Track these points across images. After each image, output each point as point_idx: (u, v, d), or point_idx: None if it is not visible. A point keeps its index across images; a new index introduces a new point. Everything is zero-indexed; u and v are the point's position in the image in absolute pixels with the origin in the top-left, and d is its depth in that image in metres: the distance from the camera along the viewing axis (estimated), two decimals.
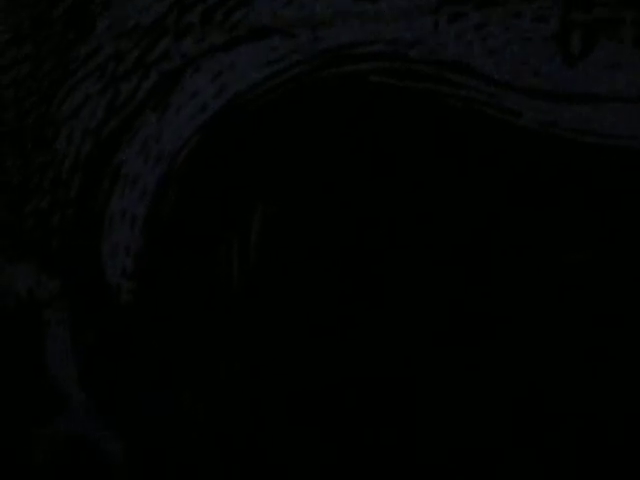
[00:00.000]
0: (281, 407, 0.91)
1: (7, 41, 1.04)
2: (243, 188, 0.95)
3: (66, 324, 1.01)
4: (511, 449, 0.87)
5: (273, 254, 0.94)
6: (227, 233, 0.96)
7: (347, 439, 0.90)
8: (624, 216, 0.86)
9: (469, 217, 0.90)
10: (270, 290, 0.94)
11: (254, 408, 0.92)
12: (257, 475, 0.93)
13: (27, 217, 1.04)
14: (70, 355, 1.01)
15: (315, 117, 0.93)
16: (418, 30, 0.90)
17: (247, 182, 0.96)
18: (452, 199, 0.90)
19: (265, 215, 0.94)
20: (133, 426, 0.97)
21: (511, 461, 0.86)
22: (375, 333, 0.91)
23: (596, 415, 0.85)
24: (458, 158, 0.90)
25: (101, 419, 0.98)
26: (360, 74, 0.92)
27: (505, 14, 0.86)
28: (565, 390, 0.87)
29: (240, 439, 0.92)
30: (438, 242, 0.90)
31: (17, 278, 1.02)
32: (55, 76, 1.03)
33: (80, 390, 1.00)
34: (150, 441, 0.96)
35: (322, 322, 0.92)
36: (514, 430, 0.87)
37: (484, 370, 0.88)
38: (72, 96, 1.02)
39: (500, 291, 0.89)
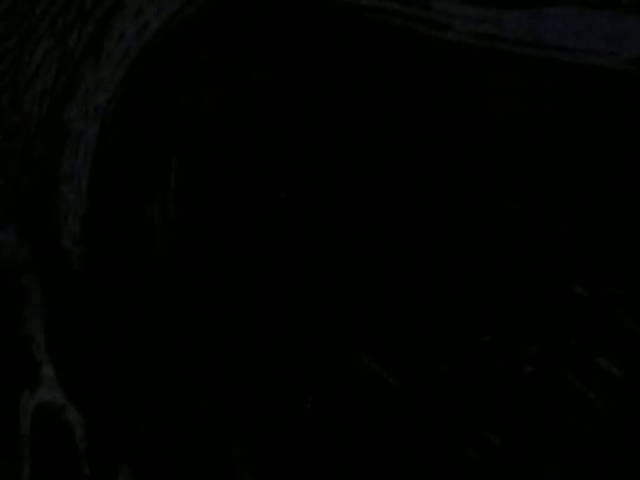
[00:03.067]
0: (208, 366, 0.86)
1: None
2: (162, 139, 0.89)
3: (38, 291, 0.98)
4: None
5: (190, 208, 0.88)
6: (150, 188, 0.90)
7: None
8: (571, 146, 0.73)
9: (398, 154, 0.79)
10: (189, 246, 0.88)
11: (190, 371, 0.87)
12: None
13: (7, 181, 1.02)
14: (41, 323, 0.98)
15: (230, 46, 0.85)
16: None
17: (166, 132, 0.89)
18: (380, 135, 0.79)
19: (180, 166, 0.88)
20: (89, 399, 0.94)
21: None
22: (290, 291, 0.83)
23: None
24: (376, 85, 0.79)
25: (63, 389, 0.96)
26: None
27: None
28: None
29: (181, 406, 0.88)
30: (359, 196, 0.80)
31: (3, 242, 1.01)
32: (22, 36, 0.99)
33: (48, 359, 0.98)
34: (105, 418, 0.93)
35: (240, 275, 0.85)
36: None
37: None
38: (34, 55, 0.99)
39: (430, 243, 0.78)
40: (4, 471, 1.02)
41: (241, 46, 0.84)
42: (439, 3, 0.76)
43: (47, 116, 0.97)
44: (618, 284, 0.73)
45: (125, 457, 0.95)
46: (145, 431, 0.93)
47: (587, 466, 0.74)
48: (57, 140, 0.97)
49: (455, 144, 0.77)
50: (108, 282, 0.95)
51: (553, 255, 0.75)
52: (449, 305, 0.78)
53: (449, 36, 0.75)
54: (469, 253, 0.78)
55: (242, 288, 0.87)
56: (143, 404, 0.93)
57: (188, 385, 0.91)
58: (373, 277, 0.81)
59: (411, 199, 0.79)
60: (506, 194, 0.76)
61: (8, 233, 1.01)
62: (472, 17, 0.75)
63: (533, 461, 0.76)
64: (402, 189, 0.79)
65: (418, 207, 0.78)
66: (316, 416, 0.83)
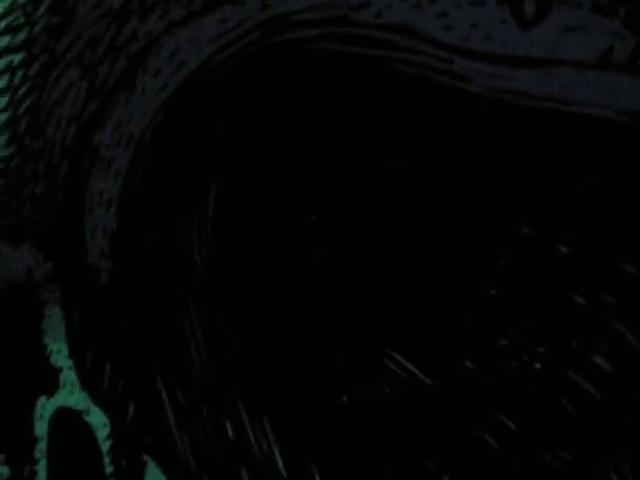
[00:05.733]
0: (254, 385, 0.96)
1: (3, 29, 1.07)
2: (201, 164, 0.99)
3: (58, 304, 1.05)
4: None
5: (228, 231, 0.98)
6: (187, 211, 0.99)
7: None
8: (575, 182, 0.89)
9: (419, 187, 0.92)
10: (228, 267, 0.98)
11: (225, 386, 0.96)
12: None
13: (25, 201, 1.07)
14: (62, 332, 1.05)
15: (265, 87, 0.96)
16: None
17: (204, 158, 0.99)
18: (403, 169, 0.93)
19: (219, 191, 0.98)
20: (115, 402, 1.01)
21: None
22: (324, 310, 0.94)
23: None
24: (407, 127, 0.92)
25: (86, 393, 1.03)
26: (307, 40, 0.94)
27: None
28: None
29: (213, 416, 0.97)
30: (388, 214, 0.92)
31: (18, 260, 1.07)
32: (44, 65, 1.06)
33: (69, 365, 1.05)
34: (132, 416, 1.01)
35: (282, 298, 0.96)
36: None
37: None
38: (58, 83, 1.06)
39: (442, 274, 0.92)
40: (18, 473, 1.08)
41: (280, 85, 0.96)
42: (461, 59, 0.91)
43: (73, 141, 1.05)
44: (612, 294, 0.91)
45: (153, 453, 1.04)
46: (174, 427, 1.03)
47: (587, 445, 0.92)
48: (84, 163, 1.05)
49: (471, 185, 0.93)
50: (137, 294, 1.04)
51: (557, 268, 0.93)
52: (475, 315, 0.94)
53: (472, 88, 0.91)
54: (486, 272, 0.94)
55: (277, 299, 0.99)
56: (174, 405, 1.03)
57: (220, 384, 1.02)
58: (403, 286, 0.96)
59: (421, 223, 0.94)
60: (514, 228, 0.92)
61: (24, 250, 1.08)
62: (490, 73, 0.91)
63: (544, 444, 0.94)
64: (414, 218, 0.95)
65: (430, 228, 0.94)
66: (352, 410, 0.96)
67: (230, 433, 1.01)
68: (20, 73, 1.08)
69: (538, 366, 0.92)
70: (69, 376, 1.08)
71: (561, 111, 0.89)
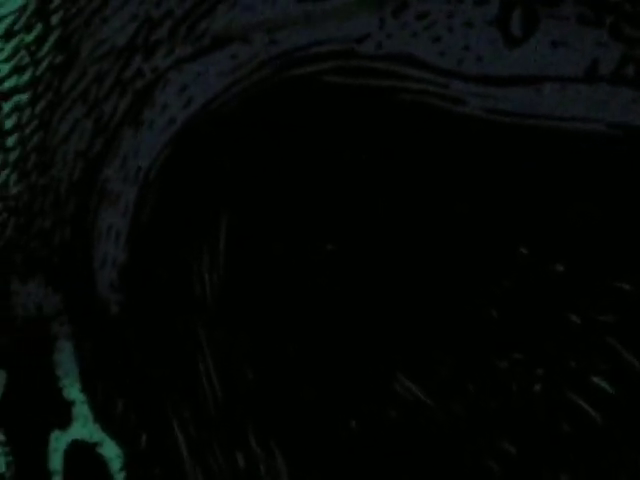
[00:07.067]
0: (264, 415, 0.97)
1: (9, 70, 1.09)
2: (211, 198, 1.01)
3: (69, 337, 1.07)
4: None
5: (239, 263, 1.00)
6: (198, 243, 1.01)
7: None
8: (568, 197, 0.91)
9: (423, 207, 0.94)
10: (239, 299, 0.99)
11: (236, 417, 0.98)
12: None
13: (34, 237, 1.09)
14: (74, 366, 1.06)
15: (275, 122, 0.98)
16: (365, 26, 0.94)
17: (214, 192, 1.01)
18: (407, 193, 0.95)
19: (230, 224, 1.00)
20: (128, 434, 1.02)
21: None
22: (343, 335, 0.95)
23: None
24: (409, 153, 0.94)
25: (99, 425, 1.04)
26: (315, 75, 0.97)
27: (447, 0, 0.87)
28: None
29: (224, 446, 0.98)
30: (397, 240, 0.94)
31: (29, 295, 1.08)
32: (49, 103, 1.08)
33: (82, 398, 1.06)
34: (145, 448, 1.01)
35: (292, 327, 0.97)
36: None
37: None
38: (64, 121, 1.08)
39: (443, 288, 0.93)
40: None
41: (292, 121, 0.99)
42: (456, 83, 0.93)
43: (80, 177, 1.07)
44: (609, 312, 0.92)
45: None
46: (187, 458, 1.04)
47: (587, 469, 0.93)
48: (92, 198, 1.07)
49: (469, 206, 0.95)
50: (148, 326, 1.05)
51: (554, 287, 0.94)
52: (475, 335, 0.95)
53: (466, 110, 0.93)
54: (485, 294, 0.96)
55: (288, 329, 1.01)
56: (186, 436, 1.04)
57: (231, 416, 1.03)
58: (408, 311, 0.97)
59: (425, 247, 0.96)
60: (512, 248, 0.94)
61: (33, 285, 1.10)
62: (483, 94, 0.93)
63: (544, 468, 0.94)
64: (417, 239, 0.96)
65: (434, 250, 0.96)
66: (360, 433, 0.97)
67: (241, 464, 1.02)
68: (27, 112, 1.10)
69: (537, 388, 0.93)
70: (82, 409, 1.09)
71: (551, 128, 0.91)
